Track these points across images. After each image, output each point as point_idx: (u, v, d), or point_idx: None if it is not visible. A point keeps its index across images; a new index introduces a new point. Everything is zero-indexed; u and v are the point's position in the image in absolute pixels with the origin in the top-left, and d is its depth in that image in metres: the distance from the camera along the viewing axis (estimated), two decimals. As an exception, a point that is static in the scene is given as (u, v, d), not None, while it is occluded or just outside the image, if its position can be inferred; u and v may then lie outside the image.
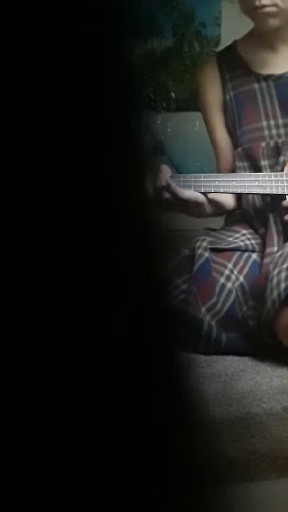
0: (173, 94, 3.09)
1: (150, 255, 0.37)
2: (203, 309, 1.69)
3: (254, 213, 1.87)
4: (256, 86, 1.89)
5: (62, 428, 0.34)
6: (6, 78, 0.33)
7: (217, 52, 2.04)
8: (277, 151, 1.83)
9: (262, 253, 1.78)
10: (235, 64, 1.93)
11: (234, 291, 1.72)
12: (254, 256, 1.79)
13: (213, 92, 1.94)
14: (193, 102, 3.08)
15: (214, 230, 1.93)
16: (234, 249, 1.80)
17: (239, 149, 1.88)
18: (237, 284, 1.73)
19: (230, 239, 1.84)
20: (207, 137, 2.02)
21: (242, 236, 1.84)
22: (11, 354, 0.34)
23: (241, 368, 1.57)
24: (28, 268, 0.34)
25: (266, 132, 1.86)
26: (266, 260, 1.73)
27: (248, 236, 1.84)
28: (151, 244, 0.37)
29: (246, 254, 1.80)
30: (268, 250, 1.75)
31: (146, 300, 0.37)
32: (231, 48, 1.97)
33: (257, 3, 1.75)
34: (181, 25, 3.07)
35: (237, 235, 1.85)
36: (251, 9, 1.79)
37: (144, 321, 0.37)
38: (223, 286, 1.72)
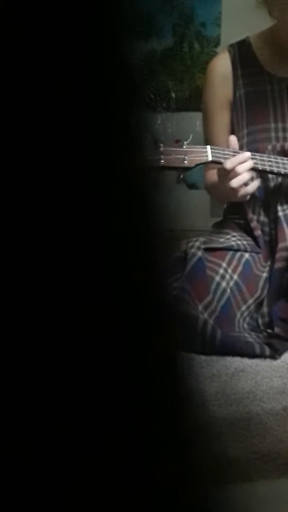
0: (173, 94, 3.09)
1: (150, 255, 0.37)
2: (200, 307, 1.68)
3: (257, 207, 1.86)
4: (268, 87, 1.87)
5: (63, 429, 0.34)
6: (6, 79, 0.33)
7: (229, 45, 1.96)
8: (283, 154, 1.82)
9: (255, 253, 1.80)
10: (248, 61, 1.90)
11: (228, 290, 1.73)
12: (247, 255, 1.80)
13: (222, 87, 1.90)
14: (193, 102, 3.09)
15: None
16: (226, 249, 1.81)
17: (244, 150, 1.85)
18: (231, 283, 1.74)
19: (221, 239, 1.85)
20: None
21: (233, 237, 1.85)
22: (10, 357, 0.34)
23: (241, 368, 1.57)
24: (28, 265, 0.34)
25: (273, 134, 1.85)
26: (279, 254, 1.73)
27: (239, 237, 1.85)
28: (151, 244, 0.37)
29: (239, 253, 1.81)
30: (281, 244, 1.76)
31: (146, 300, 0.37)
32: (245, 44, 1.93)
33: None
34: (181, 25, 3.08)
35: (228, 236, 1.86)
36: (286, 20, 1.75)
37: (144, 321, 0.37)
38: (218, 284, 1.73)
